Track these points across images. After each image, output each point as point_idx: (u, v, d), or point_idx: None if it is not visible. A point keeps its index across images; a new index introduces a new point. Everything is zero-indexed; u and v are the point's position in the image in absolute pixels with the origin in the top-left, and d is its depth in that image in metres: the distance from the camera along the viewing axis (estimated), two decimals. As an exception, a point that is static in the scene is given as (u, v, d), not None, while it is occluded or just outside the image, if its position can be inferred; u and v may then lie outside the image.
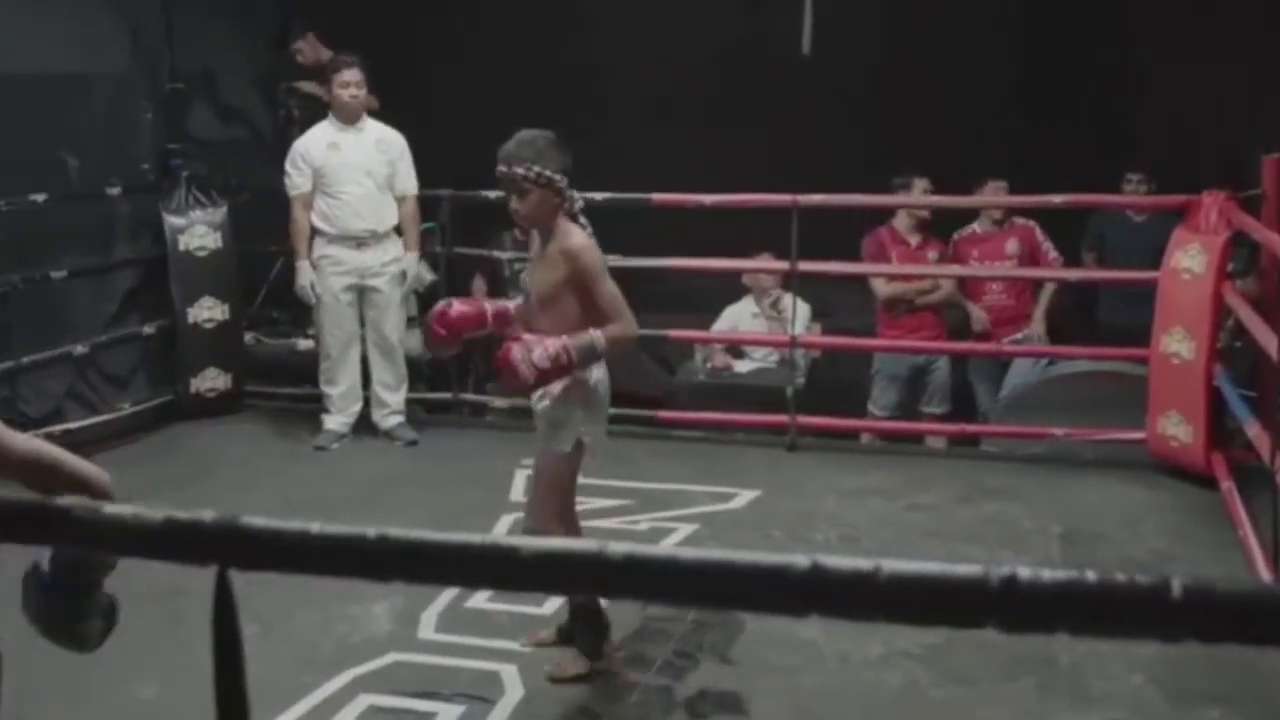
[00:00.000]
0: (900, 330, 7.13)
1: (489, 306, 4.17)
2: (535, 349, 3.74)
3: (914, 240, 7.12)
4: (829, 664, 4.08)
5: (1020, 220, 7.25)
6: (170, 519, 1.34)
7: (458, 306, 4.11)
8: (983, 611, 1.05)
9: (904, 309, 7.13)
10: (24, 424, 6.13)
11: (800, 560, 1.06)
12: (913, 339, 7.12)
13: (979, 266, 7.29)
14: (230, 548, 1.30)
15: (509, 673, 4.04)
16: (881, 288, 7.16)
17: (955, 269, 7.19)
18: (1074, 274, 7.18)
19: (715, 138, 8.02)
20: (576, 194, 3.98)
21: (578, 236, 3.92)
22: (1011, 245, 7.20)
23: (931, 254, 7.15)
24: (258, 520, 1.29)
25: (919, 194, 6.92)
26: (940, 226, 7.26)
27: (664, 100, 8.31)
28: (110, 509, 1.34)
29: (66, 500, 1.37)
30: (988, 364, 7.30)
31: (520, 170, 3.83)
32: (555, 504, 4.02)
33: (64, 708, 3.72)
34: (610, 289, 3.88)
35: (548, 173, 3.84)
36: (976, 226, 7.32)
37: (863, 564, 1.05)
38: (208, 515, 1.33)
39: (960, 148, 7.20)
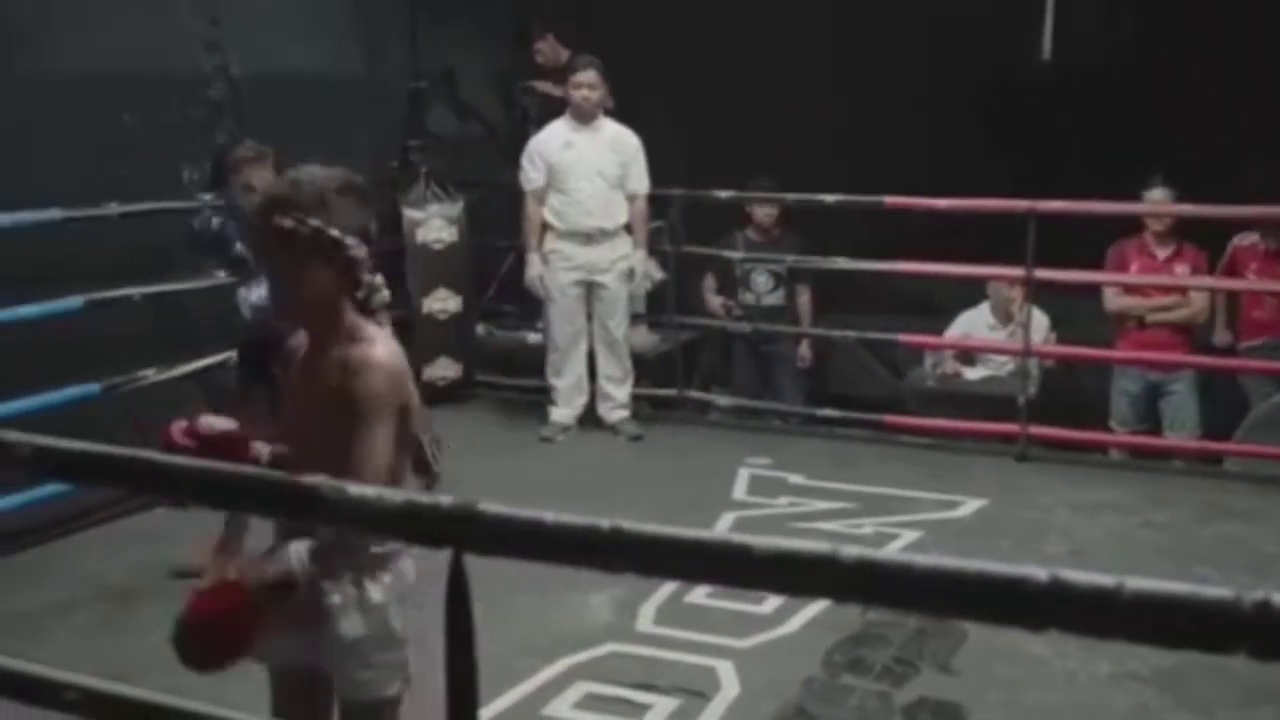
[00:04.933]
0: (1130, 345, 6.78)
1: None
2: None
3: (1162, 253, 6.71)
4: (1055, 681, 3.97)
5: None
6: (411, 502, 1.39)
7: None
8: (1233, 637, 1.00)
9: (1133, 324, 6.79)
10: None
11: (1039, 573, 1.03)
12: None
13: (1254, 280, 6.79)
14: (466, 532, 1.34)
15: (725, 669, 4.05)
16: (1111, 300, 6.83)
17: (1207, 281, 6.75)
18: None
19: (953, 141, 7.87)
20: (377, 278, 2.49)
21: (378, 346, 2.42)
22: None
23: (1181, 268, 6.69)
24: (494, 507, 1.32)
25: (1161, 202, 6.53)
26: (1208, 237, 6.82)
27: (897, 102, 8.20)
28: (355, 490, 1.39)
29: (314, 479, 1.43)
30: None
31: (287, 223, 2.38)
32: None
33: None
34: (380, 445, 2.34)
35: (332, 231, 2.39)
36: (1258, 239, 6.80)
37: (1104, 581, 1.02)
38: (446, 500, 1.37)
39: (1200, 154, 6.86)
